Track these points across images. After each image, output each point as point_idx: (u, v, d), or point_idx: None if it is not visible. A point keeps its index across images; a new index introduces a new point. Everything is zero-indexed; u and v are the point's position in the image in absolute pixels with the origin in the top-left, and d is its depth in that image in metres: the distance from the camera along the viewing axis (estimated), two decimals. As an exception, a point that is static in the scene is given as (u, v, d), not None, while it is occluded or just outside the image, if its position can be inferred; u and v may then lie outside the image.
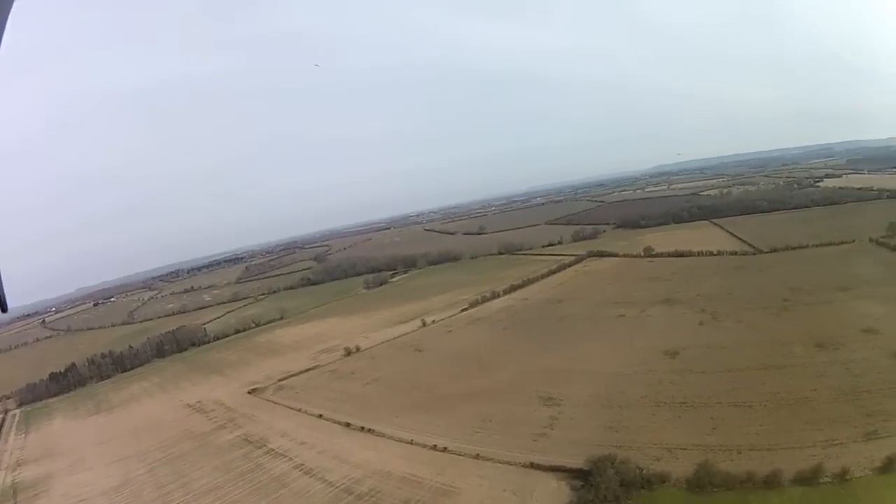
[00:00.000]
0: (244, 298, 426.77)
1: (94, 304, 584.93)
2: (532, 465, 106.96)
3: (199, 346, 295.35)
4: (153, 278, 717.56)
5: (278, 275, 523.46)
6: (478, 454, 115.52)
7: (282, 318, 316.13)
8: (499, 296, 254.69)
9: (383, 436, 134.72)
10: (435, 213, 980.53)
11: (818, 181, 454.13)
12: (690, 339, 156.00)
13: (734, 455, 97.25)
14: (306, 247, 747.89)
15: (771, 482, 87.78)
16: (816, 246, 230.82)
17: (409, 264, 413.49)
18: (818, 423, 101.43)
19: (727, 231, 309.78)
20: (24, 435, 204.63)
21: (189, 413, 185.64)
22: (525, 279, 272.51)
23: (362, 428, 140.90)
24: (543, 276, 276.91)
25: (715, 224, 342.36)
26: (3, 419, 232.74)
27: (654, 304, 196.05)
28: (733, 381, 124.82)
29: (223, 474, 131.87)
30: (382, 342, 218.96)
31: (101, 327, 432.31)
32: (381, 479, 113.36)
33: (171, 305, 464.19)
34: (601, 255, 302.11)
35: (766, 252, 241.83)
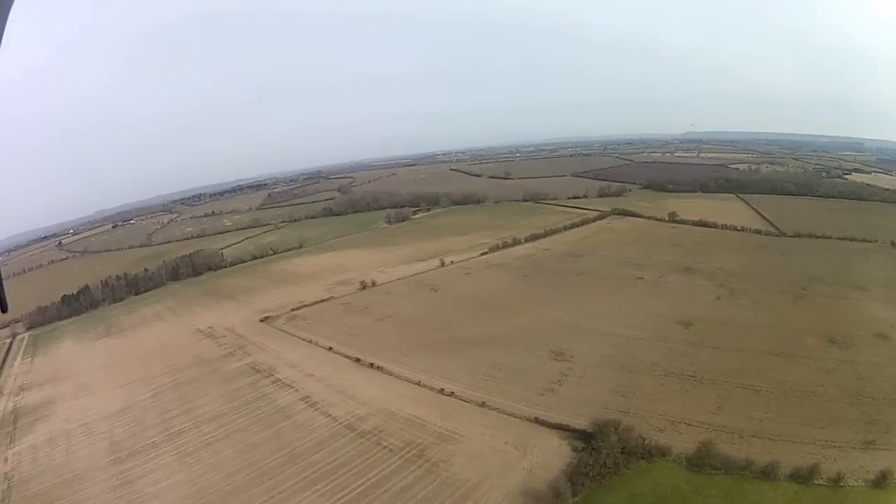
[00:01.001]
0: (264, 225, 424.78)
1: (113, 227, 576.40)
2: (536, 420, 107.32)
3: (215, 270, 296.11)
4: (174, 201, 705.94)
5: (301, 203, 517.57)
6: (484, 402, 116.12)
7: (300, 247, 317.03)
8: (520, 243, 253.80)
9: (391, 374, 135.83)
10: (462, 153, 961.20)
11: (846, 173, 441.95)
12: (706, 312, 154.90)
13: (736, 439, 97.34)
14: (331, 177, 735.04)
15: (768, 474, 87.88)
16: (840, 239, 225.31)
17: (433, 202, 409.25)
18: (820, 420, 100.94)
19: (752, 208, 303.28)
20: (30, 359, 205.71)
21: (199, 338, 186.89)
22: (547, 229, 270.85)
23: (371, 364, 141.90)
24: (566, 228, 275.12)
25: (741, 199, 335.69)
26: (11, 342, 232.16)
27: (673, 271, 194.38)
28: (744, 362, 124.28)
29: (228, 402, 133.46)
30: (399, 278, 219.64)
31: (117, 249, 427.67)
32: (385, 418, 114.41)
33: (189, 229, 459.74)
34: (625, 213, 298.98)
35: (790, 236, 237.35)
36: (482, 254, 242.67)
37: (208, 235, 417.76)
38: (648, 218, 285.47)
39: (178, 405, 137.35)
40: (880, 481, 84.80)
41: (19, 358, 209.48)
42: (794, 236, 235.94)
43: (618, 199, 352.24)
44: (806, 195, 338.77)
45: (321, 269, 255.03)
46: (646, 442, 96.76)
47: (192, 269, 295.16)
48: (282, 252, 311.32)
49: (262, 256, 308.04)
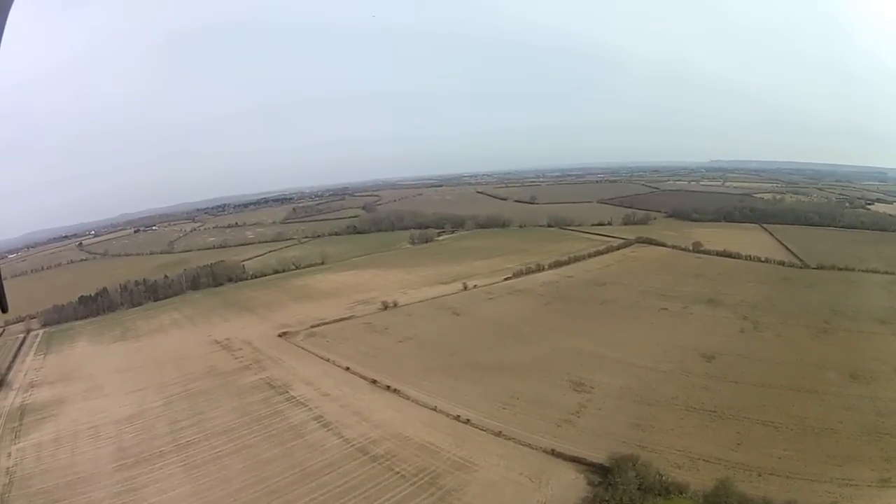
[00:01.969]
0: (288, 239, 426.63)
1: (135, 231, 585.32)
2: (553, 452, 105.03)
3: (235, 282, 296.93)
4: (199, 210, 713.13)
5: (325, 219, 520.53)
6: (500, 431, 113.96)
7: (322, 264, 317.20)
8: (543, 269, 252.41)
9: (408, 398, 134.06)
10: (489, 176, 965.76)
11: (869, 203, 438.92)
12: (729, 346, 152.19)
13: (754, 476, 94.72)
14: (356, 194, 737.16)
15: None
16: (862, 271, 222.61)
17: (457, 224, 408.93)
18: (838, 458, 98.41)
19: (776, 238, 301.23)
20: (42, 356, 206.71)
21: (216, 349, 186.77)
22: (571, 256, 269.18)
23: (388, 387, 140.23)
24: (590, 256, 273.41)
25: (765, 229, 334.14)
26: (24, 338, 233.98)
27: (697, 302, 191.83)
28: (764, 398, 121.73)
29: (239, 416, 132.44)
30: (421, 300, 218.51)
31: (138, 254, 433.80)
32: (398, 443, 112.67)
33: (212, 239, 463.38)
34: (650, 242, 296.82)
35: (813, 267, 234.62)
36: (506, 279, 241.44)
37: (230, 247, 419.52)
38: (673, 247, 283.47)
39: (190, 416, 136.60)
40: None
41: (31, 354, 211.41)
42: (817, 268, 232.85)
43: (643, 227, 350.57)
44: (829, 226, 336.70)
45: (343, 287, 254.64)
46: (663, 478, 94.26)
47: (213, 279, 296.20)
48: (304, 267, 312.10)
49: (283, 271, 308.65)
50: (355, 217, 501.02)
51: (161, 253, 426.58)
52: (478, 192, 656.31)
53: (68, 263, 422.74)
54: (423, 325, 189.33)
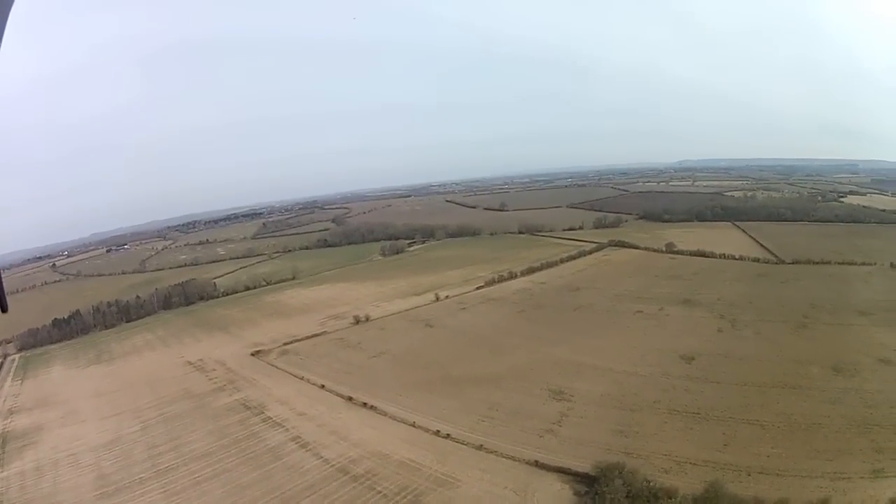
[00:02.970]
0: (258, 255, 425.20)
1: (107, 251, 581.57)
2: (536, 464, 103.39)
3: (207, 300, 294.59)
4: (169, 227, 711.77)
5: (295, 234, 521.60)
6: (481, 445, 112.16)
7: (294, 279, 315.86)
8: (516, 276, 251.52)
9: (385, 414, 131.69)
10: (457, 184, 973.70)
11: (842, 196, 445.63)
12: (708, 346, 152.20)
13: (743, 476, 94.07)
14: (326, 207, 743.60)
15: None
16: (838, 263, 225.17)
17: (428, 235, 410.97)
18: (828, 452, 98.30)
19: (750, 236, 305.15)
20: (20, 381, 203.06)
21: (189, 371, 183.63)
22: (544, 262, 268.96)
23: (364, 404, 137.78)
24: (563, 261, 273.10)
25: (737, 226, 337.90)
26: (2, 363, 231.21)
27: (673, 303, 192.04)
28: (748, 396, 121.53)
29: (217, 440, 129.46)
30: (393, 313, 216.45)
31: (111, 274, 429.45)
32: (378, 462, 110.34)
33: (183, 257, 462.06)
34: (622, 245, 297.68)
35: (788, 263, 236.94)
36: (478, 288, 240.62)
37: (202, 264, 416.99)
38: (645, 249, 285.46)
39: (167, 440, 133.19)
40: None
41: (9, 380, 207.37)
42: (792, 263, 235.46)
43: (614, 231, 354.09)
44: (803, 220, 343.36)
45: (314, 302, 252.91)
46: (651, 484, 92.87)
47: (185, 298, 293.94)
48: (275, 283, 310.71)
49: (254, 287, 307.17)
50: (325, 230, 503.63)
51: (133, 272, 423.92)
52: (447, 202, 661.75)
53: (42, 285, 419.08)
54: (396, 339, 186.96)
